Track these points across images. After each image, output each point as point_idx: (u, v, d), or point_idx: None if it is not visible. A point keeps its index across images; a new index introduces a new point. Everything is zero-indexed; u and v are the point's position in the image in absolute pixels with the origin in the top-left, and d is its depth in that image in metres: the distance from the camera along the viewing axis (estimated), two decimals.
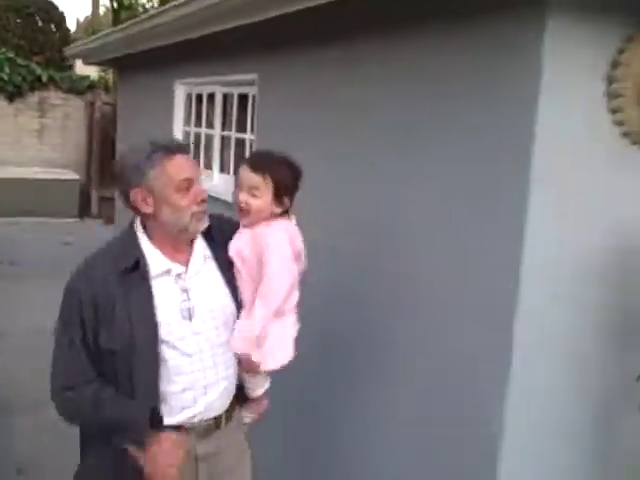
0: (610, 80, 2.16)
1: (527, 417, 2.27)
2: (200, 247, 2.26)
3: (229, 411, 2.32)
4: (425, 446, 2.61)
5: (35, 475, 3.95)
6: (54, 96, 13.04)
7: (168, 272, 2.17)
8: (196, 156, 5.69)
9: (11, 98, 12.64)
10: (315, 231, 2.53)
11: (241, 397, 2.40)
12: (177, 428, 2.15)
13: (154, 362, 2.11)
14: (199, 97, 5.73)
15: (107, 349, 2.09)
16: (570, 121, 2.17)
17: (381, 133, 2.92)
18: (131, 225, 2.24)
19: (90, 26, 22.14)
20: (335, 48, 3.33)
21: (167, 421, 2.14)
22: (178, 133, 6.03)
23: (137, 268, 2.12)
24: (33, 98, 12.88)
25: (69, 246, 9.68)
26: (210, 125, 5.44)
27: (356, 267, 3.06)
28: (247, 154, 4.50)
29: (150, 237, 2.19)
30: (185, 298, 2.17)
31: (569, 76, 2.15)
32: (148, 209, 2.13)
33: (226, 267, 2.29)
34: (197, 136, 5.77)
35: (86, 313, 2.09)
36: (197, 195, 2.15)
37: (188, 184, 2.13)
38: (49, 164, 12.83)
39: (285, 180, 2.27)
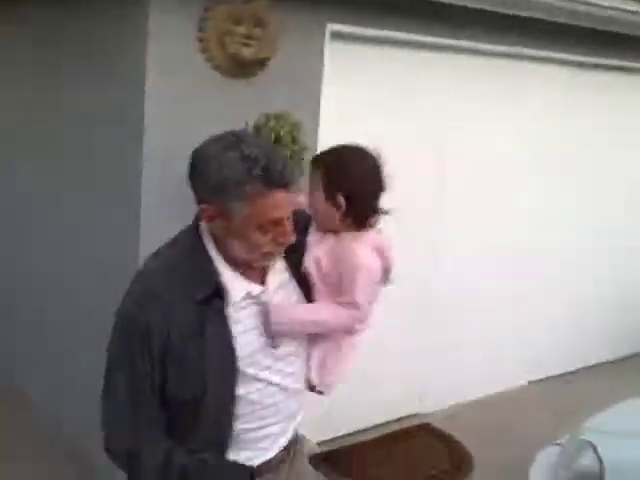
0: (200, 29, 3.09)
1: None
2: (279, 263, 1.89)
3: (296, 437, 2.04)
4: None
5: None
6: None
7: (248, 295, 1.79)
8: None
9: None
10: None
11: None
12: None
13: (229, 405, 1.75)
14: None
15: (175, 396, 1.71)
16: (173, 59, 3.08)
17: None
18: (196, 230, 1.79)
19: None
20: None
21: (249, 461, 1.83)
22: None
23: (215, 296, 1.72)
24: None
25: None
26: None
27: None
28: None
29: (219, 250, 1.77)
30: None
31: (171, 26, 3.06)
32: (218, 230, 1.74)
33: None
34: None
35: (157, 350, 1.66)
36: (278, 237, 1.72)
37: (274, 224, 1.70)
38: None
39: (331, 170, 1.86)
